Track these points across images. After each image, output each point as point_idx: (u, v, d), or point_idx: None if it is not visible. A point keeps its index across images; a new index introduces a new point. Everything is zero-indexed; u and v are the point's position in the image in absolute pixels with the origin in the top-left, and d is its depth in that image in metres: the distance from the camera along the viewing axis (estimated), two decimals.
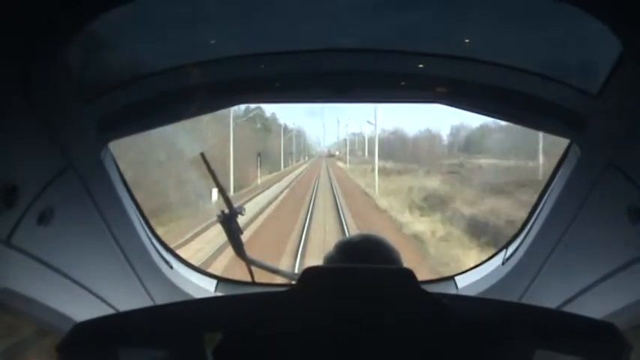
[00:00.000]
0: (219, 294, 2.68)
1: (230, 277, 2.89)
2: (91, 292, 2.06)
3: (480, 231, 15.85)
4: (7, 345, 2.00)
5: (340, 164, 46.98)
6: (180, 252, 2.69)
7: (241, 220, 2.42)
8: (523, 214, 2.67)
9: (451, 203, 19.89)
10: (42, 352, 2.04)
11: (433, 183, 24.93)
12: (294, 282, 2.13)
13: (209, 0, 1.92)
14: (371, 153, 39.42)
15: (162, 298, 2.39)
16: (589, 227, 2.00)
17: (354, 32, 2.07)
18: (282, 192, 27.29)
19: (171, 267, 2.55)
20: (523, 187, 16.83)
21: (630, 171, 1.74)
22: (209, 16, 1.92)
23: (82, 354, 1.45)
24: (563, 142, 2.17)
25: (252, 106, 27.32)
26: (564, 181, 2.08)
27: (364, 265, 1.64)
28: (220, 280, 2.77)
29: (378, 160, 33.23)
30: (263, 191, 25.50)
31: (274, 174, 35.56)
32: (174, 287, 2.49)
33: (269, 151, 36.97)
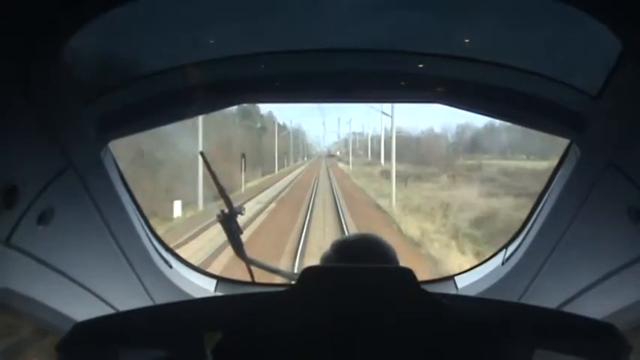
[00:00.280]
0: (218, 294, 2.68)
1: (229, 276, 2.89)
2: (90, 291, 2.06)
3: None
4: (7, 344, 2.01)
5: (341, 165, 43.79)
6: None
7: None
8: None
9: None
10: (42, 351, 2.04)
11: (471, 193, 19.47)
12: (293, 282, 2.13)
13: (209, 0, 1.92)
14: (375, 154, 37.88)
15: (161, 298, 2.39)
16: (589, 227, 2.00)
17: (354, 32, 2.07)
18: (269, 203, 22.38)
19: (171, 267, 2.55)
20: None
21: (630, 171, 1.74)
22: (209, 16, 1.92)
23: (82, 354, 1.45)
24: None
25: None
26: (564, 181, 2.08)
27: (364, 265, 1.64)
28: (220, 279, 2.77)
29: (385, 162, 31.37)
30: (244, 203, 15.87)
31: (267, 177, 32.92)
32: (174, 287, 2.49)
33: (262, 151, 34.65)
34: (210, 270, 2.64)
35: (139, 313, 1.64)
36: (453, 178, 23.25)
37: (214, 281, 2.75)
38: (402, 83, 2.23)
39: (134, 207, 2.31)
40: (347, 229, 15.02)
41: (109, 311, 2.11)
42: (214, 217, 2.46)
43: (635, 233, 1.77)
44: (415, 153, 31.94)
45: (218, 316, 1.56)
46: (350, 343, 1.42)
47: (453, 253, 12.07)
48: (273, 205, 22.25)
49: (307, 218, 18.02)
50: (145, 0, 1.68)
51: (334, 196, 24.49)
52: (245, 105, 24.73)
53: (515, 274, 2.37)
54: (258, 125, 35.14)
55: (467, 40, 2.00)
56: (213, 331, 1.45)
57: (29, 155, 1.64)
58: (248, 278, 2.58)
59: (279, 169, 37.54)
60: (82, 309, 1.95)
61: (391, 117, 24.74)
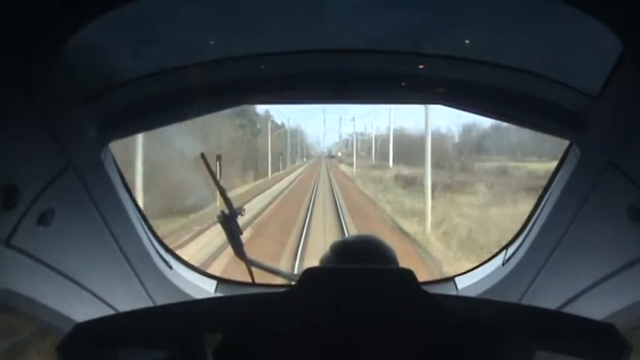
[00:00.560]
0: (219, 294, 2.68)
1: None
2: (91, 292, 2.06)
3: None
4: (8, 345, 2.01)
5: (343, 168, 39.94)
6: None
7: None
8: None
9: None
10: (42, 352, 2.05)
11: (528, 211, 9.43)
12: (293, 283, 2.13)
13: (209, 0, 1.92)
14: (380, 155, 34.44)
15: (162, 299, 2.39)
16: (589, 228, 1.99)
17: (354, 33, 2.07)
18: (254, 218, 16.82)
19: (171, 267, 2.55)
20: None
21: (630, 171, 1.73)
22: (209, 16, 1.92)
23: (82, 354, 1.45)
24: None
25: None
26: (564, 182, 2.08)
27: (364, 266, 1.63)
28: (220, 280, 2.77)
29: (394, 164, 29.34)
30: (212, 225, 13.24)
31: (259, 182, 28.03)
32: (174, 288, 2.49)
33: (256, 152, 30.99)
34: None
35: (140, 313, 1.64)
36: (491, 187, 18.33)
37: (214, 282, 2.75)
38: (403, 84, 2.23)
39: (134, 208, 2.31)
40: None
41: (109, 312, 2.11)
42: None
43: (635, 233, 1.77)
44: (422, 155, 29.04)
45: (218, 316, 1.56)
46: (350, 344, 1.42)
47: None
48: (258, 219, 17.27)
49: (301, 243, 13.84)
50: (145, 0, 1.68)
51: (339, 214, 18.26)
52: None
53: (515, 275, 2.37)
54: (253, 124, 31.22)
55: (467, 41, 2.01)
56: (213, 332, 1.45)
57: (29, 156, 1.64)
58: (248, 279, 2.58)
59: (273, 173, 32.99)
60: (82, 310, 1.94)
61: (426, 115, 18.12)
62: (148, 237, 2.41)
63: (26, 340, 2.06)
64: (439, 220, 16.34)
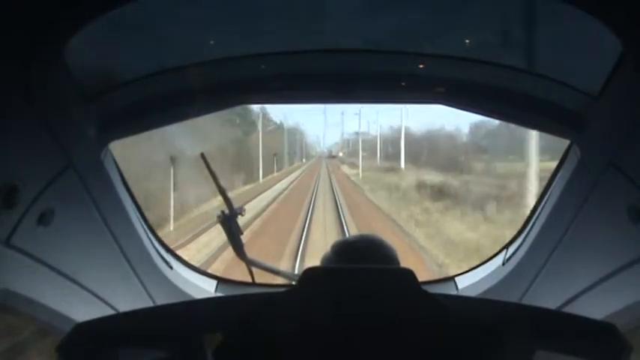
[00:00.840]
0: (219, 294, 2.68)
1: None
2: (91, 292, 2.06)
3: None
4: (8, 345, 2.01)
5: (346, 170, 36.87)
6: None
7: None
8: None
9: None
10: (42, 352, 2.05)
11: None
12: (294, 282, 2.13)
13: (209, 0, 1.92)
14: (386, 155, 32.15)
15: (162, 299, 2.39)
16: (589, 228, 1.99)
17: (354, 32, 2.07)
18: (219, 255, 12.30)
19: (171, 267, 2.55)
20: None
21: (630, 171, 1.73)
22: (209, 16, 1.92)
23: (82, 354, 1.45)
24: None
25: None
26: (564, 181, 2.08)
27: (365, 266, 1.63)
28: (220, 280, 2.77)
29: (406, 166, 27.22)
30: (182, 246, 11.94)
31: (246, 188, 24.71)
32: (175, 288, 2.49)
33: (247, 152, 27.69)
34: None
35: (140, 313, 1.64)
36: None
37: (215, 282, 2.75)
38: (403, 84, 2.23)
39: (134, 208, 2.31)
40: None
41: (110, 312, 2.11)
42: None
43: (635, 233, 1.77)
44: (437, 155, 26.82)
45: (218, 316, 1.56)
46: (350, 344, 1.42)
47: None
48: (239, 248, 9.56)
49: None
50: (145, 0, 1.68)
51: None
52: None
53: (515, 275, 2.37)
54: (245, 120, 28.16)
55: (467, 41, 2.01)
56: (213, 332, 1.45)
57: (29, 156, 1.64)
58: (248, 279, 2.58)
59: (265, 177, 28.96)
60: (82, 310, 1.94)
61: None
62: (148, 237, 2.41)
63: (26, 340, 2.06)
64: None
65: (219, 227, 2.39)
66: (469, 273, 2.74)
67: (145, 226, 2.40)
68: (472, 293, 2.50)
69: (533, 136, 14.55)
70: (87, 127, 1.88)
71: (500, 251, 2.61)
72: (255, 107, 29.50)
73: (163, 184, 16.32)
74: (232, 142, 25.68)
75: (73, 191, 1.86)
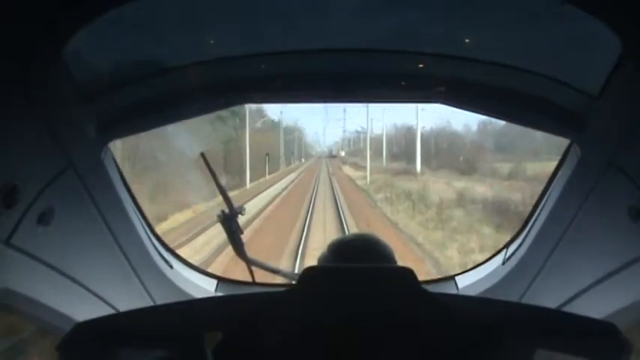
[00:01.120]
0: (219, 294, 2.68)
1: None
2: (91, 291, 2.06)
3: None
4: (8, 344, 2.01)
5: (348, 171, 32.12)
6: None
7: None
8: None
9: None
10: (42, 351, 2.04)
11: None
12: (294, 282, 2.13)
13: (209, 1, 1.92)
14: (394, 156, 28.10)
15: (162, 298, 2.39)
16: (589, 227, 2.00)
17: (354, 32, 2.07)
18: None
19: (172, 267, 2.55)
20: None
21: (630, 171, 1.74)
22: (209, 16, 1.92)
23: (83, 353, 1.45)
24: None
25: None
26: (565, 181, 2.08)
27: (364, 265, 1.63)
28: (220, 280, 2.77)
29: (424, 166, 23.31)
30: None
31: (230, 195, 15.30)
32: (175, 287, 2.49)
33: (239, 151, 24.01)
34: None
35: (140, 313, 1.64)
36: None
37: (215, 281, 2.75)
38: (403, 83, 2.24)
39: (134, 207, 2.31)
40: None
41: (110, 311, 2.11)
42: None
43: (635, 232, 1.77)
44: (451, 156, 23.81)
45: (218, 316, 1.56)
46: (351, 343, 1.42)
47: None
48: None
49: None
50: (145, 0, 1.68)
51: None
52: None
53: (515, 274, 2.37)
54: (235, 117, 23.99)
55: (467, 40, 2.01)
56: (213, 331, 1.46)
57: (29, 155, 1.64)
58: (248, 278, 2.58)
59: (253, 181, 24.48)
60: (82, 309, 1.94)
61: None
62: (148, 236, 2.41)
63: (26, 340, 2.06)
64: None
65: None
66: (469, 272, 2.75)
67: (145, 226, 2.41)
68: (472, 292, 2.50)
69: None
70: (87, 127, 1.88)
71: (500, 250, 2.61)
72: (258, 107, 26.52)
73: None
74: (223, 142, 23.19)
75: (73, 191, 1.86)
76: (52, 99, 1.65)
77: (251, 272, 2.51)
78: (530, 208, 2.37)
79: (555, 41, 1.89)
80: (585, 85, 1.88)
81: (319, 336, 1.42)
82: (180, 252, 2.68)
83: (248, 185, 23.50)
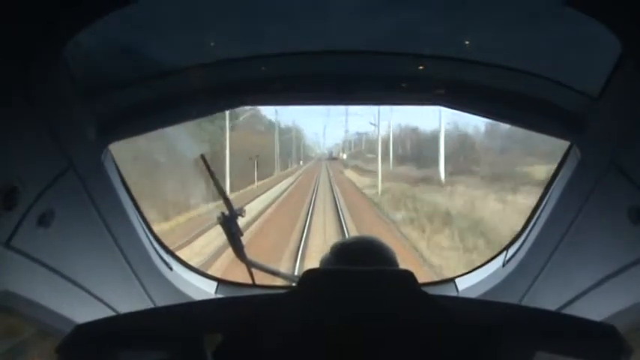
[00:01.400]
0: (219, 296, 2.68)
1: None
2: (91, 293, 2.06)
3: None
4: (8, 346, 2.00)
5: (351, 175, 29.12)
6: None
7: None
8: None
9: None
10: (43, 353, 2.04)
11: None
12: (294, 284, 2.13)
13: (209, 2, 1.93)
14: (401, 160, 25.09)
15: (162, 300, 2.39)
16: (590, 229, 2.00)
17: (354, 34, 2.07)
18: None
19: (172, 269, 2.55)
20: None
21: (631, 172, 1.74)
22: (210, 17, 1.92)
23: (82, 355, 1.45)
24: None
25: None
26: (565, 182, 2.08)
27: (364, 267, 1.63)
28: (220, 282, 2.77)
29: (446, 175, 19.56)
30: None
31: (202, 209, 16.54)
32: (175, 289, 2.49)
33: (233, 154, 20.57)
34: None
35: (140, 315, 1.64)
36: None
37: (215, 283, 2.75)
38: (403, 85, 2.24)
39: (135, 209, 2.31)
40: None
41: (110, 313, 2.11)
42: None
43: (636, 234, 1.77)
44: (470, 160, 20.75)
45: (218, 318, 1.56)
46: (351, 346, 1.42)
47: None
48: None
49: None
50: (145, 1, 1.68)
51: None
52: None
53: (515, 276, 2.37)
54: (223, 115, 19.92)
55: (467, 42, 2.01)
56: (213, 333, 1.45)
57: (29, 157, 1.64)
58: (248, 280, 2.58)
59: (236, 191, 20.69)
60: (82, 311, 1.94)
61: None
62: (149, 238, 2.41)
63: (26, 341, 2.06)
64: None
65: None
66: (469, 274, 2.74)
67: (145, 228, 2.40)
68: (472, 295, 2.50)
69: None
70: (87, 127, 1.88)
71: (500, 252, 2.61)
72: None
73: None
74: (209, 143, 20.13)
75: (73, 192, 1.86)
76: (52, 99, 1.65)
77: (251, 274, 2.51)
78: None
79: (555, 42, 1.89)
80: (585, 86, 1.88)
81: (319, 338, 1.42)
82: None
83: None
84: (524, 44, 1.97)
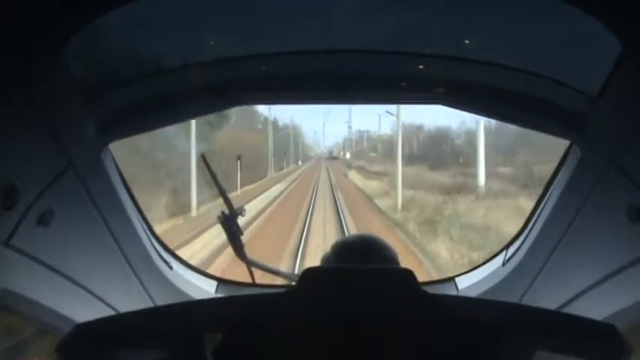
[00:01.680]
0: (219, 295, 2.68)
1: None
2: (91, 293, 2.06)
3: None
4: (7, 345, 2.01)
5: (356, 179, 24.58)
6: None
7: None
8: None
9: None
10: (42, 352, 2.04)
11: None
12: (294, 283, 2.13)
13: (209, 1, 1.93)
14: (408, 158, 21.00)
15: (162, 299, 2.39)
16: (590, 228, 2.00)
17: (354, 33, 2.07)
18: None
19: (171, 268, 2.55)
20: None
21: (631, 171, 1.73)
22: (209, 16, 1.92)
23: (82, 355, 1.45)
24: None
25: None
26: (565, 182, 2.08)
27: (364, 266, 1.63)
28: (220, 281, 2.77)
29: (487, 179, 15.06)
30: None
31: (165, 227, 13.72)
32: (175, 288, 2.49)
33: (223, 155, 17.73)
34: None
35: (140, 314, 1.64)
36: None
37: (215, 282, 2.75)
38: (403, 84, 2.24)
39: (135, 208, 2.31)
40: None
41: (109, 312, 2.11)
42: None
43: (635, 234, 1.77)
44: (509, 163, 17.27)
45: (218, 317, 1.56)
46: (351, 345, 1.42)
47: None
48: None
49: None
50: (145, 0, 1.68)
51: None
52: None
53: (515, 275, 2.37)
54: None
55: (467, 41, 2.01)
56: (213, 333, 1.45)
57: (29, 156, 1.64)
58: (248, 279, 2.58)
59: (204, 205, 16.39)
60: (82, 310, 1.94)
61: None
62: (148, 237, 2.41)
63: (26, 340, 2.06)
64: None
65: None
66: (469, 273, 2.74)
67: (145, 227, 2.41)
68: (472, 294, 2.50)
69: None
70: (87, 127, 1.88)
71: (500, 252, 2.61)
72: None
73: None
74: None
75: (73, 191, 1.86)
76: (52, 99, 1.65)
77: (251, 273, 2.51)
78: None
79: (555, 41, 1.89)
80: (585, 85, 1.88)
81: (319, 337, 1.42)
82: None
83: (194, 212, 15.78)
84: (524, 43, 1.97)
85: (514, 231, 2.43)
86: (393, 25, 1.98)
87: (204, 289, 2.68)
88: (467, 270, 2.82)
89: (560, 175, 2.16)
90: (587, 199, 1.96)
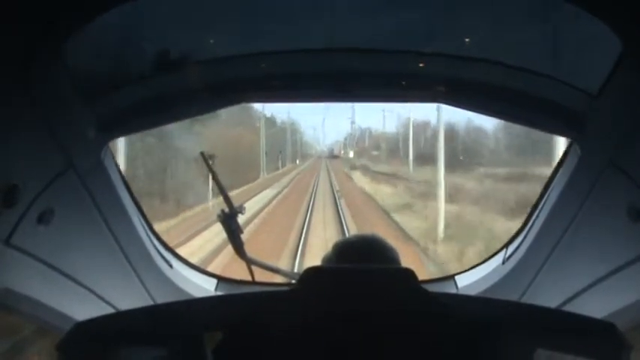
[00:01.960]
0: (219, 293, 2.68)
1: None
2: (91, 291, 2.06)
3: None
4: (8, 344, 2.01)
5: (363, 183, 21.61)
6: None
7: None
8: None
9: None
10: (42, 351, 2.05)
11: None
12: (294, 281, 2.13)
13: (209, 0, 1.93)
14: (420, 158, 18.77)
15: (162, 298, 2.39)
16: (589, 227, 2.00)
17: (354, 31, 2.07)
18: None
19: (171, 266, 2.55)
20: None
21: (631, 170, 1.74)
22: (209, 15, 1.92)
23: (82, 353, 1.45)
24: None
25: None
26: (565, 180, 2.08)
27: (365, 265, 1.63)
28: (220, 279, 2.77)
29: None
30: None
31: None
32: (175, 286, 2.49)
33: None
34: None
35: (140, 312, 1.64)
36: None
37: (215, 281, 2.75)
38: (403, 83, 2.23)
39: (134, 207, 2.31)
40: None
41: (110, 311, 2.11)
42: None
43: (635, 232, 1.77)
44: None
45: (218, 315, 1.56)
46: (351, 343, 1.42)
47: None
48: None
49: None
50: (145, 0, 1.68)
51: None
52: None
53: (515, 273, 2.37)
54: None
55: (467, 40, 2.01)
56: (213, 331, 1.46)
57: (29, 155, 1.64)
58: (248, 278, 2.58)
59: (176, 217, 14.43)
60: (82, 308, 1.95)
61: None
62: (148, 236, 2.41)
63: (26, 339, 2.06)
64: None
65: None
66: (469, 272, 2.74)
67: (145, 225, 2.41)
68: (472, 292, 2.50)
69: None
70: (87, 126, 1.88)
71: (500, 250, 2.61)
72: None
73: None
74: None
75: (73, 190, 1.86)
76: (52, 99, 1.65)
77: (251, 271, 2.51)
78: None
79: (555, 40, 1.89)
80: (585, 84, 1.88)
81: (319, 335, 1.42)
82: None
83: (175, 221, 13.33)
84: (524, 42, 1.97)
85: None
86: (393, 23, 1.98)
87: (204, 287, 2.68)
88: (467, 268, 2.82)
89: (560, 173, 2.17)
90: (587, 198, 1.96)
